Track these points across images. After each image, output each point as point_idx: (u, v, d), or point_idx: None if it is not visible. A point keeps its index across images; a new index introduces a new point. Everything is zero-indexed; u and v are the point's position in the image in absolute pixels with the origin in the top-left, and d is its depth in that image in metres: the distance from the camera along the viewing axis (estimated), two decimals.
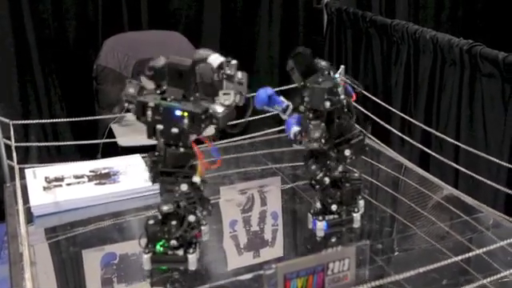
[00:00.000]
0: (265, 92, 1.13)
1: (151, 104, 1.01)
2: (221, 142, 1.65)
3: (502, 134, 2.18)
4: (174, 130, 1.01)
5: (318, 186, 1.20)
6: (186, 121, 1.00)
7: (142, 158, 1.51)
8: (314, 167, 1.19)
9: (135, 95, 1.03)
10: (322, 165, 1.19)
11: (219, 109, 1.02)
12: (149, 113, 1.01)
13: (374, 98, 1.81)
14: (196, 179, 1.04)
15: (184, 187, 1.03)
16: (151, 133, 1.03)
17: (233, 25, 3.21)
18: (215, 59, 1.03)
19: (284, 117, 1.16)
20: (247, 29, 3.24)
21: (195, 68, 1.03)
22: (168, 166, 1.03)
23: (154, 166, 1.05)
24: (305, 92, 1.13)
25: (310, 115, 1.13)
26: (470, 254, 1.03)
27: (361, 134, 1.18)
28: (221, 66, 1.03)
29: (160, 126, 1.02)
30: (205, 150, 1.06)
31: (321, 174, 1.18)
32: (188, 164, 1.04)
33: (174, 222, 1.07)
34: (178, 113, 1.00)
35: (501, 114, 2.18)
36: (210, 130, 1.05)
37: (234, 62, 1.03)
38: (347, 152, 1.16)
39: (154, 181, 1.06)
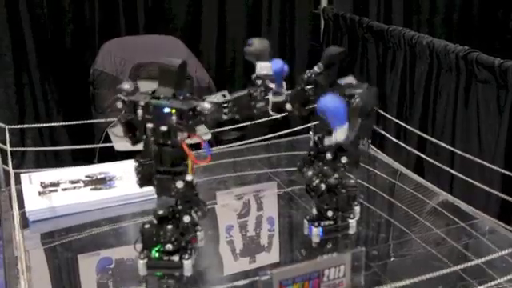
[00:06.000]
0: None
1: (142, 103, 1.01)
2: (219, 147, 1.66)
3: (496, 139, 2.18)
4: (163, 128, 1.01)
5: (313, 193, 1.20)
6: (173, 117, 1.00)
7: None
8: (310, 173, 1.19)
9: (129, 92, 1.03)
10: (317, 171, 1.19)
11: (207, 106, 1.02)
12: (139, 111, 1.01)
13: None
14: (189, 177, 1.04)
15: (180, 184, 1.04)
16: (142, 132, 1.03)
17: (230, 30, 3.21)
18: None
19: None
20: (244, 34, 3.25)
21: (185, 68, 1.03)
22: (163, 164, 1.04)
23: (141, 170, 1.06)
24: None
25: None
26: (469, 265, 1.03)
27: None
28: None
29: (150, 125, 1.02)
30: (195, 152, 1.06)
31: (317, 181, 1.18)
32: (182, 162, 1.04)
33: (169, 226, 1.07)
34: (167, 110, 1.00)
35: (496, 120, 2.19)
36: (206, 135, 1.05)
37: None
38: (344, 159, 1.16)
39: (141, 185, 1.07)
